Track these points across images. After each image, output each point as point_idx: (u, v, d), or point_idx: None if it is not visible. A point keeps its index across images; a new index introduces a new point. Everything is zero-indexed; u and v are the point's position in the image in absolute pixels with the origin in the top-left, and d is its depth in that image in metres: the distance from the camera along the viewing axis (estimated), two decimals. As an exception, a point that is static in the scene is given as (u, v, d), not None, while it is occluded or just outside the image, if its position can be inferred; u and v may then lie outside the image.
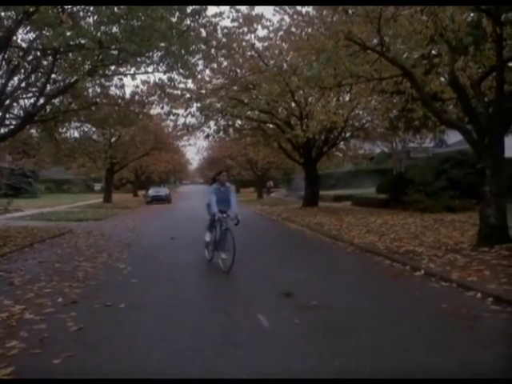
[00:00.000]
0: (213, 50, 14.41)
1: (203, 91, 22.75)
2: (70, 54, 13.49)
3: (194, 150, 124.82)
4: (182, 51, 12.09)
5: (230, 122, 26.13)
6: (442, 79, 12.33)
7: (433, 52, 12.67)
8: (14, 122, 15.67)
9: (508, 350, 4.76)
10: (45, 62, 14.19)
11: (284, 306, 6.58)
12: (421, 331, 5.38)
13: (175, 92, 19.40)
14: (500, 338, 5.14)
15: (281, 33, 19.20)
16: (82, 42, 10.44)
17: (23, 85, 14.73)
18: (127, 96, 18.65)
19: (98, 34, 10.81)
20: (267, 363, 4.50)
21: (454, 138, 26.68)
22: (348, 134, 26.47)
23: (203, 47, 13.21)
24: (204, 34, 12.90)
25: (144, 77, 17.93)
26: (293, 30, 17.62)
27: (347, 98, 21.17)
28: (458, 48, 10.55)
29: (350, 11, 10.44)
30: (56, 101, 16.44)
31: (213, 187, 9.34)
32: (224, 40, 15.26)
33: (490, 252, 9.34)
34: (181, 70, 13.48)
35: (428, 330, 5.45)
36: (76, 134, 24.58)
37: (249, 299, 7.05)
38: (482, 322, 5.61)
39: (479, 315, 5.82)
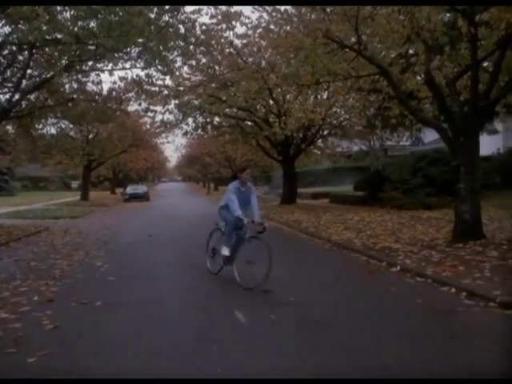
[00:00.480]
0: (191, 47, 14.38)
1: (181, 88, 22.63)
2: (47, 49, 13.33)
3: (173, 148, 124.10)
4: (160, 47, 12.04)
5: (209, 120, 26.06)
6: (419, 78, 12.47)
7: (410, 51, 12.82)
8: (-12, 118, 15.41)
9: (480, 341, 4.85)
10: (20, 57, 14.02)
11: (261, 302, 6.63)
12: (396, 326, 5.47)
13: (153, 89, 19.28)
14: (473, 331, 5.26)
15: (259, 30, 19.17)
16: (59, 36, 10.33)
17: (-2, 80, 14.52)
18: (104, 92, 18.53)
19: (75, 28, 10.70)
20: (243, 359, 4.53)
21: (430, 136, 27.08)
22: (326, 132, 26.60)
23: (181, 44, 13.16)
24: (182, 30, 12.86)
25: (122, 73, 18.02)
26: (271, 27, 17.61)
27: (325, 96, 21.27)
28: (433, 47, 10.69)
29: (328, 10, 10.50)
30: (32, 96, 16.25)
31: (233, 186, 7.86)
32: (202, 37, 15.22)
33: (464, 248, 9.50)
34: (159, 67, 13.43)
35: (403, 324, 5.54)
36: (53, 131, 24.34)
37: (226, 295, 7.09)
38: (455, 316, 5.72)
39: (453, 309, 5.93)
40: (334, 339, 5.02)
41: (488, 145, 24.55)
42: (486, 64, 11.11)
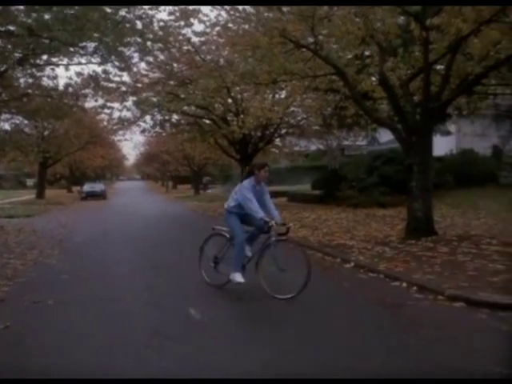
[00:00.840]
0: (149, 43, 14.26)
1: (139, 85, 22.39)
2: (-1, 41, 12.98)
3: (131, 145, 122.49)
4: (117, 43, 11.89)
5: (167, 117, 25.87)
6: (373, 79, 12.73)
7: (366, 53, 13.07)
8: None
9: (428, 333, 5.04)
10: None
11: (216, 298, 6.68)
12: (348, 319, 5.63)
13: (110, 85, 19.04)
14: (420, 324, 5.45)
15: (218, 28, 19.14)
16: (12, 28, 10.07)
17: None
18: (60, 88, 18.15)
19: (29, 20, 10.46)
20: (194, 355, 4.57)
21: (385, 136, 27.57)
22: (284, 131, 26.79)
23: (139, 40, 13.05)
24: (140, 26, 12.74)
25: (78, 68, 17.56)
26: (230, 25, 17.62)
27: (283, 95, 21.41)
28: (387, 49, 10.94)
29: (285, 9, 10.61)
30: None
31: (249, 184, 6.82)
32: (160, 33, 15.13)
33: (416, 244, 9.78)
34: (116, 63, 13.28)
35: (355, 318, 5.70)
36: (7, 127, 23.70)
37: (182, 292, 7.11)
38: (405, 309, 5.91)
39: (403, 303, 6.13)
40: (286, 334, 5.11)
41: (442, 145, 25.21)
42: (438, 67, 11.44)
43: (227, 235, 7.25)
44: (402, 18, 12.22)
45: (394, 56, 11.37)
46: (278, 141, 29.35)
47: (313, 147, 38.86)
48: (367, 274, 7.90)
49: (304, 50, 11.36)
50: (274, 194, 31.15)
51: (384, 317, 5.70)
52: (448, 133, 24.34)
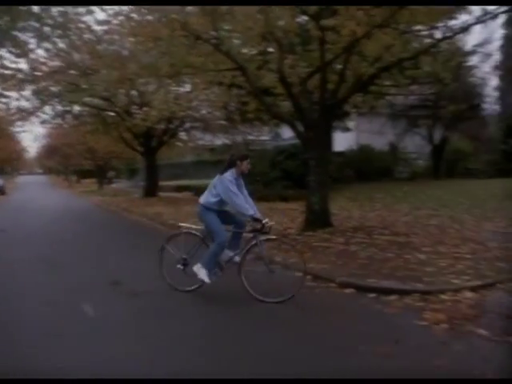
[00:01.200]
0: (47, 29, 13.65)
1: (38, 73, 21.33)
2: None
3: (31, 137, 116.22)
4: (11, 26, 11.30)
5: (68, 108, 24.90)
6: (275, 75, 13.00)
7: (270, 49, 13.31)
8: None
9: (316, 318, 5.34)
10: None
11: (111, 294, 6.63)
12: (242, 309, 5.83)
13: (6, 72, 18.03)
14: (310, 310, 5.76)
15: (121, 17, 18.66)
16: None
17: None
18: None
19: None
20: (88, 352, 4.55)
21: (289, 132, 28.23)
22: (188, 125, 26.72)
23: (36, 25, 12.47)
24: (37, 9, 12.17)
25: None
26: (133, 15, 17.25)
27: (188, 89, 21.31)
28: (287, 47, 11.23)
29: (187, 2, 10.56)
30: None
31: (231, 176, 6.23)
32: (60, 19, 14.53)
33: (313, 236, 10.20)
34: (11, 48, 12.60)
35: (248, 307, 5.92)
36: None
37: (77, 289, 6.97)
38: (298, 297, 6.16)
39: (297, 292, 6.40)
40: (178, 326, 5.25)
41: (342, 142, 26.36)
42: (338, 66, 11.90)
43: (199, 234, 6.63)
44: (303, 17, 12.64)
45: (293, 54, 11.69)
46: (182, 135, 29.22)
47: (218, 142, 39.05)
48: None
49: (206, 43, 11.38)
50: (179, 189, 31.15)
51: (277, 305, 5.93)
52: (348, 129, 25.41)
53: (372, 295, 6.07)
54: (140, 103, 22.19)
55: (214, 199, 6.28)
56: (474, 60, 24.89)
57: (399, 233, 10.24)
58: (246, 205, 6.10)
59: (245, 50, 12.92)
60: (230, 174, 6.22)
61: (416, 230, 10.56)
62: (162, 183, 30.81)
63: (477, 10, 10.25)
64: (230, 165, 6.36)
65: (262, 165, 22.21)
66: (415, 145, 27.31)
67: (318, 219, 10.84)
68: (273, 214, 15.25)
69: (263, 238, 6.28)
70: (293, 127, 11.17)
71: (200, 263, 6.24)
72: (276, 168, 21.36)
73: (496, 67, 28.42)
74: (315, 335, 4.90)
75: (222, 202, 6.28)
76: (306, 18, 12.17)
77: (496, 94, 30.34)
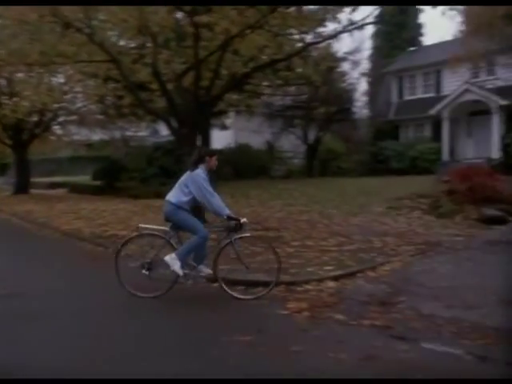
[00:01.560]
0: None
1: None
2: None
3: None
4: None
5: None
6: (150, 70, 12.84)
7: (148, 44, 13.08)
8: None
9: (187, 311, 5.39)
10: None
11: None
12: (110, 304, 5.75)
13: None
14: (178, 304, 5.85)
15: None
16: None
17: None
18: None
19: None
20: None
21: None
22: (63, 118, 25.50)
23: None
24: None
25: None
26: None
27: (62, 80, 20.32)
28: (162, 42, 11.14)
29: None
30: None
31: (203, 173, 6.02)
32: None
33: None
34: None
35: (120, 301, 5.88)
36: None
37: None
38: (170, 292, 6.16)
39: (168, 287, 6.38)
40: (42, 328, 5.04)
41: (221, 139, 26.62)
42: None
43: (162, 235, 6.30)
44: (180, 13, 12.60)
45: (168, 49, 11.62)
46: (56, 128, 27.84)
47: (96, 137, 37.68)
48: (137, 263, 8.00)
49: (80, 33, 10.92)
50: (52, 186, 29.61)
51: (145, 301, 5.90)
52: (226, 128, 25.75)
53: (240, 288, 6.22)
54: (9, 93, 20.71)
55: (185, 198, 5.99)
56: (345, 66, 26.64)
57: (271, 228, 10.56)
58: (222, 204, 5.91)
59: (122, 43, 12.62)
60: (202, 172, 5.98)
61: (287, 225, 10.96)
62: (35, 179, 29.11)
63: (344, 19, 10.94)
64: (199, 161, 6.11)
65: (138, 161, 21.84)
66: (291, 144, 28.31)
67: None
68: (148, 211, 15.06)
69: (237, 236, 6.12)
70: (167, 123, 11.11)
71: (175, 254, 5.90)
72: (153, 164, 21.07)
73: (365, 74, 30.50)
74: (181, 326, 4.97)
75: (193, 201, 6.02)
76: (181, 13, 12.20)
77: (365, 99, 32.54)
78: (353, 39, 34.90)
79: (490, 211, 11.25)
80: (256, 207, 14.86)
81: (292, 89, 22.09)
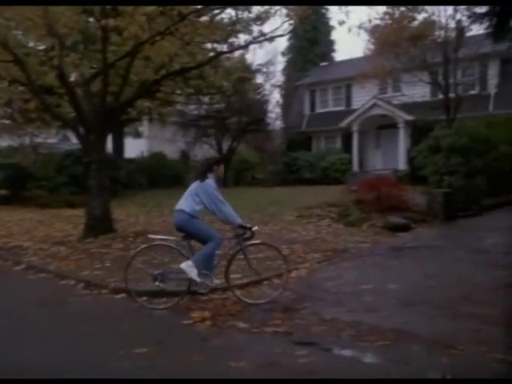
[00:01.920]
0: None
1: None
2: None
3: None
4: None
5: None
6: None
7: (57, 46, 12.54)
8: None
9: (85, 325, 5.18)
10: None
11: None
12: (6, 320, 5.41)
13: None
14: (80, 318, 5.56)
15: None
16: None
17: None
18: None
19: None
20: None
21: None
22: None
23: None
24: None
25: None
26: None
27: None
28: (70, 44, 10.70)
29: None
30: None
31: (213, 182, 6.03)
32: None
33: (94, 242, 9.91)
34: None
35: (13, 318, 5.52)
36: None
37: None
38: (67, 306, 5.93)
39: (66, 300, 6.15)
40: None
41: (135, 148, 26.09)
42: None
43: (175, 246, 6.11)
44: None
45: (76, 52, 11.21)
46: (-44, 133, 26.10)
47: (3, 143, 35.77)
48: (37, 275, 7.69)
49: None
50: None
51: (42, 316, 5.63)
52: (139, 136, 25.31)
53: (143, 299, 6.07)
54: None
55: (198, 207, 5.94)
56: (259, 78, 27.05)
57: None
58: (233, 213, 5.96)
59: (31, 44, 12.06)
60: (212, 181, 6.00)
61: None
62: None
63: (256, 31, 11.09)
64: (208, 170, 6.12)
65: (47, 169, 20.94)
66: (205, 154, 28.27)
67: (100, 225, 10.57)
68: (56, 221, 14.52)
69: (247, 243, 6.17)
70: (74, 129, 10.73)
71: (192, 261, 5.79)
72: (63, 173, 20.26)
73: (278, 86, 31.10)
74: (80, 341, 4.75)
75: (202, 210, 6.03)
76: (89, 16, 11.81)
77: (279, 110, 33.16)
78: (267, 52, 35.56)
79: (395, 219, 11.76)
80: (168, 216, 14.59)
81: (206, 98, 22.04)
